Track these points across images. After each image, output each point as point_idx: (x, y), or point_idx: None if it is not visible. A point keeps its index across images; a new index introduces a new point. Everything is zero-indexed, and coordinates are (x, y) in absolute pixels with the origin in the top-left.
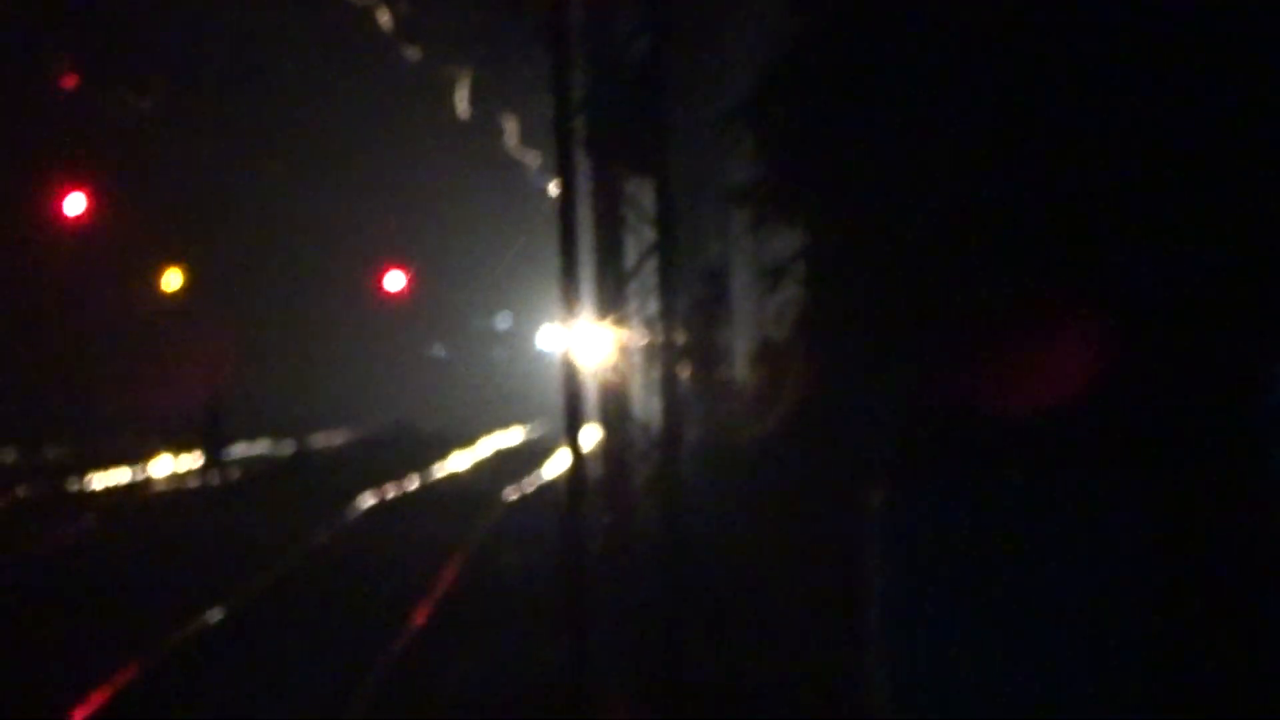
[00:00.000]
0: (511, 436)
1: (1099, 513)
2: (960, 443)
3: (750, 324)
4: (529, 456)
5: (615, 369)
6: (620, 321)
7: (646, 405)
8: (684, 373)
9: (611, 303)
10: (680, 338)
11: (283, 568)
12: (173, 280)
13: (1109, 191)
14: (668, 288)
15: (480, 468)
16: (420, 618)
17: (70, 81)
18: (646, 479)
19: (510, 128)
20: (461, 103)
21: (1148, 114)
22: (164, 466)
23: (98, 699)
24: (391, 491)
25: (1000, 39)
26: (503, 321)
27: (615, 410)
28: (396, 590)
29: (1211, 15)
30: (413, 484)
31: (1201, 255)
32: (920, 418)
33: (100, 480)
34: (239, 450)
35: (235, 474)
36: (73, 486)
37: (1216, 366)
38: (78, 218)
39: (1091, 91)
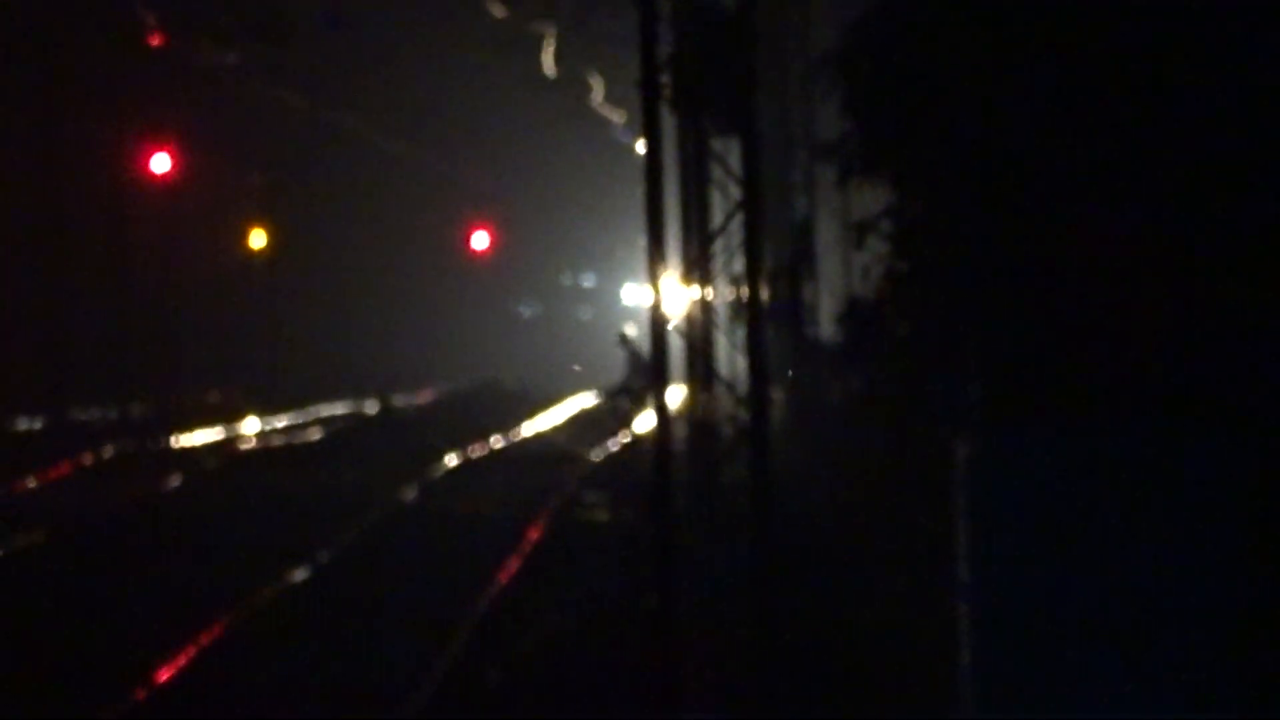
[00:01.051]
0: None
1: (1185, 466)
2: (1046, 397)
3: (837, 282)
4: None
5: (701, 327)
6: (706, 279)
7: (732, 364)
8: (770, 331)
9: (698, 261)
10: (766, 296)
11: (374, 520)
12: (258, 239)
13: (1191, 147)
14: (754, 245)
15: (563, 428)
16: (506, 574)
17: (156, 39)
18: (731, 438)
19: (597, 85)
20: (548, 60)
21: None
22: (252, 424)
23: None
24: (478, 451)
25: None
26: (588, 280)
27: (701, 369)
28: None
29: None
30: (499, 444)
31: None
32: (1006, 372)
33: (190, 438)
34: (325, 409)
35: (322, 432)
36: (169, 443)
37: None
38: (164, 175)
39: (1186, 52)
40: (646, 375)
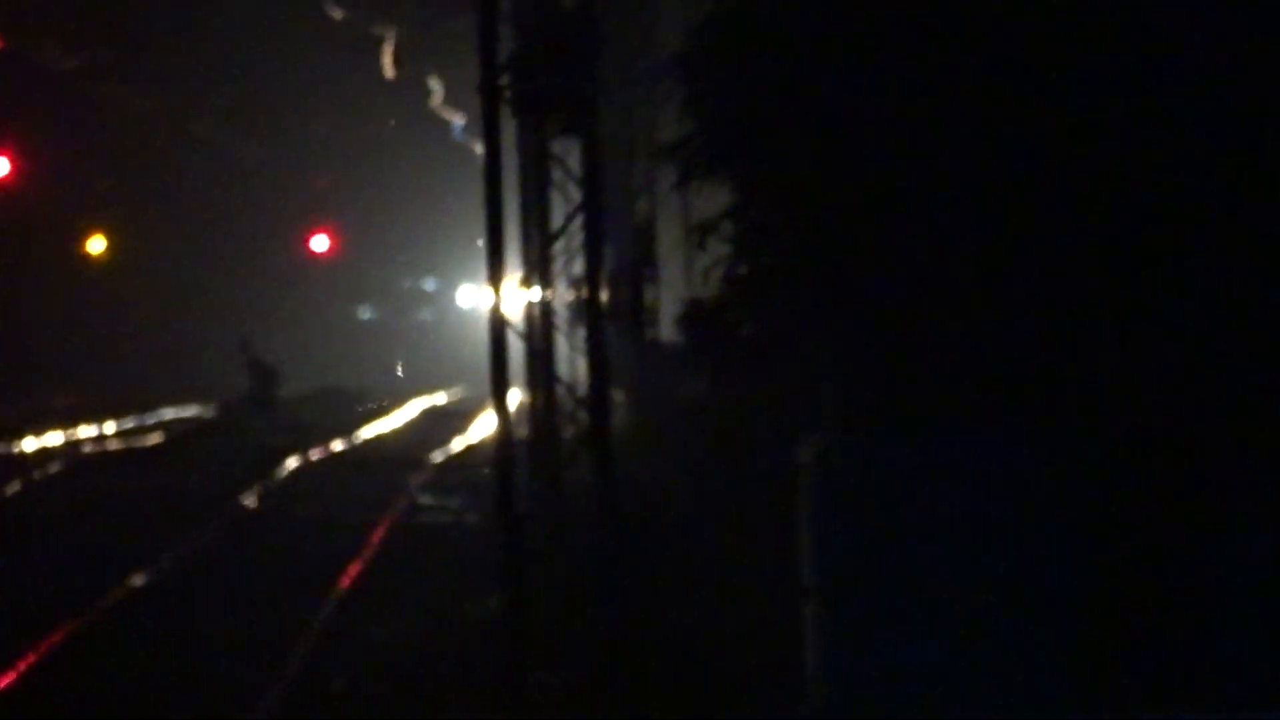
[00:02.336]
0: (437, 398)
1: (1026, 465)
2: (889, 397)
3: (679, 284)
4: (457, 417)
5: (541, 329)
6: (547, 281)
7: (572, 366)
8: (611, 333)
9: (538, 262)
10: (607, 297)
11: (217, 524)
12: (97, 244)
13: (1030, 148)
14: (594, 247)
15: (408, 430)
16: (348, 580)
17: None
18: (573, 439)
19: (437, 87)
20: (388, 62)
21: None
22: (95, 428)
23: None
24: (317, 454)
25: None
26: (429, 283)
27: (542, 371)
28: (325, 559)
29: None
30: (339, 447)
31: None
32: (848, 374)
33: (32, 442)
34: (167, 413)
35: (161, 436)
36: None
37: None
38: (3, 178)
39: (1026, 52)
40: (273, 383)
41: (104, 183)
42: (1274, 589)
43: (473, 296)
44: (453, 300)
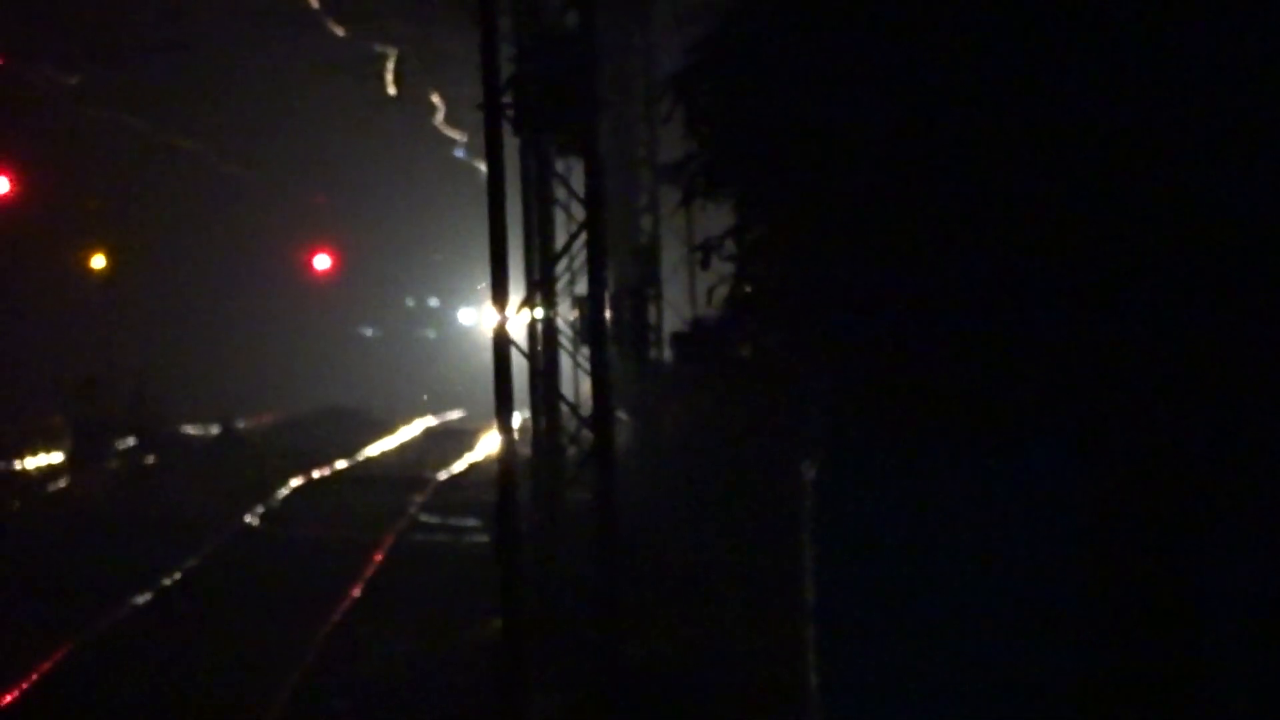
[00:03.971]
0: (444, 417)
1: (1026, 482)
2: (892, 418)
3: (682, 303)
4: (459, 436)
5: (545, 349)
6: (550, 301)
7: (576, 385)
8: (614, 352)
9: (541, 282)
10: (610, 317)
11: (219, 543)
12: (97, 261)
13: (1028, 166)
14: (597, 266)
15: (409, 449)
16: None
17: None
18: (575, 459)
19: (439, 106)
20: (389, 80)
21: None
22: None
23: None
24: (319, 472)
25: (924, 20)
26: (433, 301)
27: (544, 390)
28: (326, 578)
29: None
30: (342, 465)
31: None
32: (849, 393)
33: (31, 461)
34: (168, 431)
35: (166, 455)
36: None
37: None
38: (3, 196)
39: (1024, 76)
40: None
41: (95, 201)
42: None
43: (474, 315)
44: (454, 319)
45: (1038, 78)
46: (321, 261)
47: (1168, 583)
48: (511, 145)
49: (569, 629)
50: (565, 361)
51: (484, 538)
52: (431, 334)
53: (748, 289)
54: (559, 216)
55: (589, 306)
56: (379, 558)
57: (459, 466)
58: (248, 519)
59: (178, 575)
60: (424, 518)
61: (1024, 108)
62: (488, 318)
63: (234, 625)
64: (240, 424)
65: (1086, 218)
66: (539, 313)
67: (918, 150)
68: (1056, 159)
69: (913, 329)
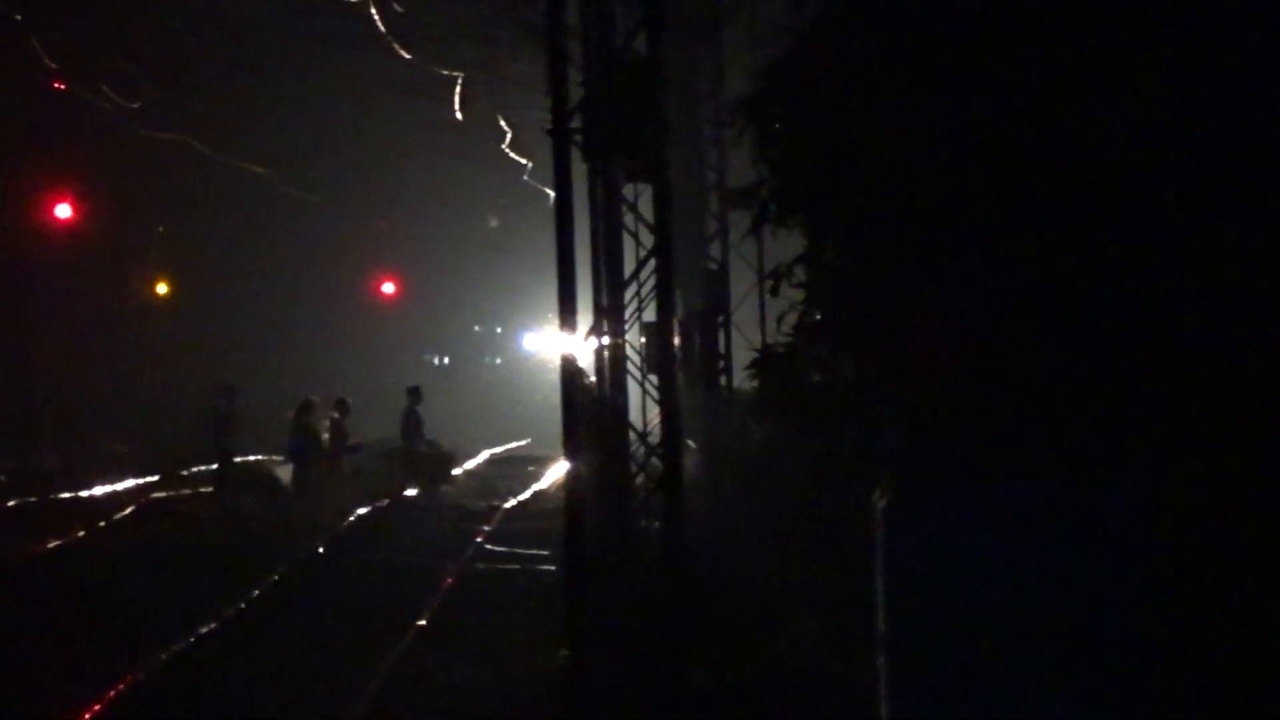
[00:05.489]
0: (508, 446)
1: (1101, 517)
2: (965, 446)
3: (752, 330)
4: (525, 464)
5: (613, 376)
6: (618, 328)
7: (644, 413)
8: (683, 380)
9: (609, 309)
10: (679, 344)
11: (285, 570)
12: (161, 287)
13: (1096, 192)
14: (665, 293)
15: (474, 476)
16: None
17: (60, 83)
18: (644, 487)
19: (506, 130)
20: (457, 105)
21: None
22: (159, 474)
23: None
24: (388, 499)
25: (1002, 41)
26: (500, 327)
27: (612, 418)
28: (394, 604)
29: None
30: (411, 492)
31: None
32: (925, 422)
33: (96, 489)
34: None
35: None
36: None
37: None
38: (66, 220)
39: (1090, 91)
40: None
41: (165, 226)
42: None
43: (538, 342)
44: (520, 345)
45: (1142, 94)
46: (388, 287)
47: (1253, 630)
48: (579, 171)
49: (637, 656)
50: (633, 389)
51: (551, 566)
52: (498, 360)
53: (818, 316)
54: (627, 242)
55: (657, 333)
56: (449, 582)
57: (525, 495)
58: (318, 544)
59: (256, 592)
60: (490, 546)
61: (1118, 125)
62: (553, 344)
63: (303, 650)
64: None
65: (1180, 248)
66: (606, 339)
67: (993, 181)
68: (1147, 187)
69: (985, 359)
